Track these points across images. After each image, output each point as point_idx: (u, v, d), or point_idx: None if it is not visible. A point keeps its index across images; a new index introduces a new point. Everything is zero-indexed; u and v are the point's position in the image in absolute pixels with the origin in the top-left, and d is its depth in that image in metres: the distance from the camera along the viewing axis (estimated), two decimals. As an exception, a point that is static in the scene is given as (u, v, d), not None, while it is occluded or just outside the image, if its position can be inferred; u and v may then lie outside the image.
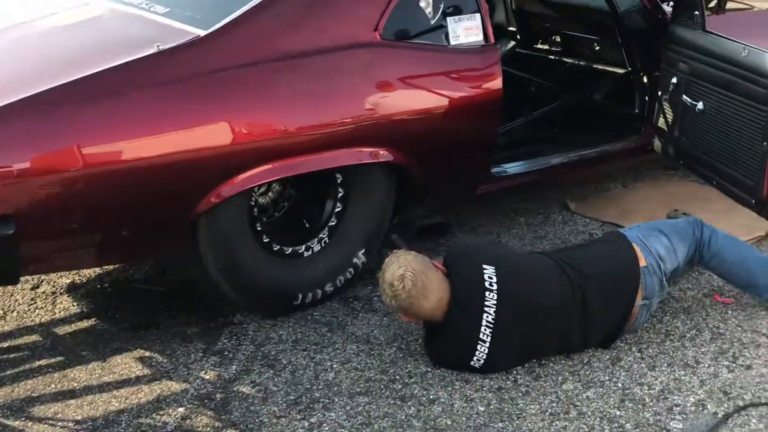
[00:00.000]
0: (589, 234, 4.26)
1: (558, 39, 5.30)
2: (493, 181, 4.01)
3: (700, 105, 3.93)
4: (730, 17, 6.09)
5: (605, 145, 4.46)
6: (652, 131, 4.44)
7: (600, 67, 4.97)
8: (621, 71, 4.73)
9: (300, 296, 3.43)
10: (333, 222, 3.54)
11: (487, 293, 3.01)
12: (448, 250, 3.30)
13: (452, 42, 3.62)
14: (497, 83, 3.66)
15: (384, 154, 3.44)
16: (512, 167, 4.13)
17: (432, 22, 3.58)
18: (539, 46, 5.43)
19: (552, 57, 5.33)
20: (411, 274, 2.97)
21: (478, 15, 3.68)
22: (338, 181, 3.51)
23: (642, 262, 3.22)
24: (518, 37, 5.47)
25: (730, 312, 3.46)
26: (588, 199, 4.67)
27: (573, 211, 4.52)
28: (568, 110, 4.78)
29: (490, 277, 3.04)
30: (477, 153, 3.77)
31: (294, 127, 3.21)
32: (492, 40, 3.70)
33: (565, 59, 5.23)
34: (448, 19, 3.61)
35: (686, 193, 4.72)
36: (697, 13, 3.90)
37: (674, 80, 4.13)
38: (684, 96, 4.06)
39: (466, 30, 3.66)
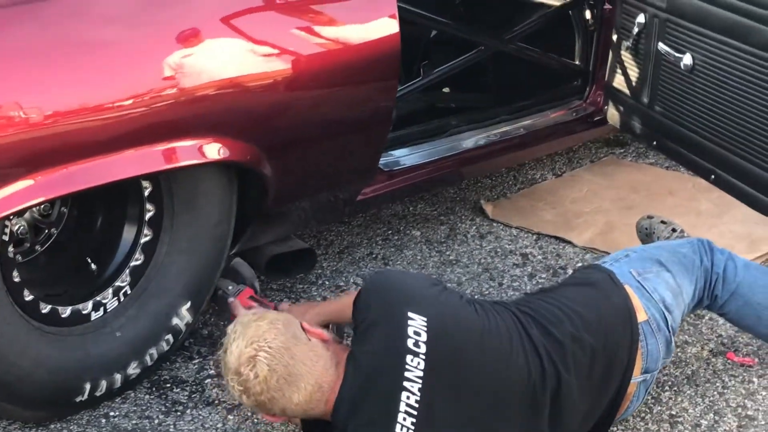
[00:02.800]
0: (522, 255, 3.93)
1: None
2: (381, 180, 3.61)
3: (686, 59, 3.64)
4: None
5: (533, 116, 4.22)
6: (601, 93, 4.20)
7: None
8: (556, 3, 4.42)
9: (87, 386, 3.10)
10: (138, 260, 3.15)
11: (409, 358, 2.72)
12: (360, 288, 2.92)
13: None
14: (392, 25, 3.30)
15: (215, 149, 3.04)
16: (406, 156, 3.80)
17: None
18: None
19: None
20: (266, 355, 2.66)
21: None
22: (145, 194, 3.10)
23: (641, 316, 2.96)
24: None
25: (756, 380, 3.27)
26: (510, 198, 4.37)
27: (490, 217, 4.19)
28: (481, 66, 4.54)
29: (416, 333, 2.76)
30: (364, 137, 3.42)
31: (58, 114, 2.71)
32: None
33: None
34: None
35: (649, 184, 4.50)
36: None
37: (640, 18, 3.84)
38: (660, 44, 3.77)
39: None
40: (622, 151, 4.81)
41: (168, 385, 3.23)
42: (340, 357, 2.80)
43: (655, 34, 3.81)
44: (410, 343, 2.73)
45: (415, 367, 2.72)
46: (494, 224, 4.17)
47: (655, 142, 3.95)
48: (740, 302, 3.19)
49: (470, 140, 3.98)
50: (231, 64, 3.01)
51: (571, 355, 2.88)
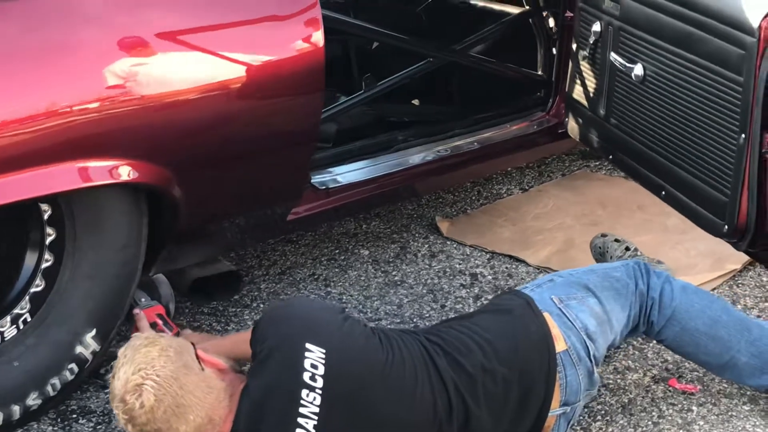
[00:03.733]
0: (472, 275, 3.77)
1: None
2: (316, 198, 3.47)
3: (637, 69, 3.48)
4: None
5: (491, 129, 4.06)
6: (563, 105, 4.05)
7: (486, 5, 4.47)
8: (516, 11, 4.25)
9: (-18, 419, 2.96)
10: (38, 286, 3.01)
11: (304, 393, 2.60)
12: (257, 320, 2.77)
13: None
14: (316, 37, 3.17)
15: (123, 170, 2.91)
16: (346, 173, 3.64)
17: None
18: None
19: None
20: (153, 384, 2.54)
21: None
22: (45, 218, 2.96)
23: (560, 345, 2.82)
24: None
25: (695, 408, 3.10)
26: (470, 214, 4.20)
27: (445, 235, 4.03)
28: (434, 76, 4.38)
29: (313, 366, 2.63)
30: (286, 155, 3.27)
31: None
32: None
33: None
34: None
35: (619, 200, 4.32)
36: None
37: (596, 27, 3.68)
38: (612, 54, 3.60)
39: None
40: (597, 164, 4.63)
41: (74, 415, 3.09)
42: (236, 388, 2.67)
43: (610, 43, 3.65)
44: (306, 376, 2.60)
45: (311, 403, 2.59)
46: (448, 242, 4.01)
47: (611, 156, 3.77)
48: (677, 328, 3.02)
49: (417, 156, 3.82)
50: (136, 81, 2.88)
51: (481, 387, 2.73)
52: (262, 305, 3.57)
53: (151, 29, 2.90)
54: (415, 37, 4.39)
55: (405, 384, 2.68)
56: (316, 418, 2.58)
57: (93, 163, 2.85)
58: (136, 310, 3.11)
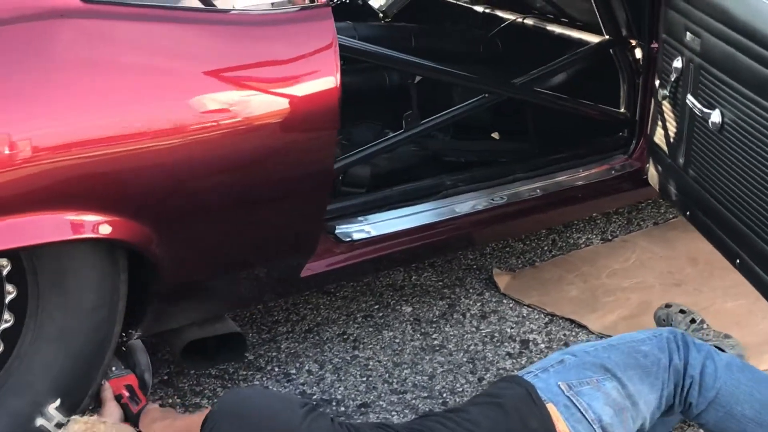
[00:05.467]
0: (522, 342, 3.33)
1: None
2: (338, 252, 3.08)
3: (714, 116, 2.98)
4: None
5: (561, 173, 3.57)
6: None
7: (558, 30, 4.02)
8: (596, 40, 3.77)
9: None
10: None
11: None
12: (210, 412, 2.41)
13: (236, 4, 2.75)
14: (330, 80, 2.79)
15: (95, 224, 2.59)
16: (378, 223, 3.26)
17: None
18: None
19: (477, 9, 4.37)
20: None
21: (292, -51, 2.80)
22: (4, 274, 2.66)
23: None
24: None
25: None
26: (536, 268, 3.75)
27: (502, 291, 3.58)
28: (495, 113, 3.97)
29: None
30: (292, 204, 2.89)
31: None
32: None
33: (499, 13, 4.27)
34: (227, -40, 2.73)
35: (713, 256, 3.75)
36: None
37: (677, 63, 3.20)
38: (689, 96, 3.11)
39: None
40: (692, 211, 4.10)
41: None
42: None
43: (690, 83, 3.16)
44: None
45: None
46: (504, 300, 3.56)
47: (687, 212, 3.28)
48: (721, 413, 2.57)
49: (466, 204, 3.39)
50: (125, 121, 2.57)
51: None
52: (277, 368, 3.21)
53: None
54: (487, 66, 3.99)
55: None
56: None
57: (61, 214, 2.54)
58: (104, 381, 2.79)
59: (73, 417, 2.52)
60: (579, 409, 2.41)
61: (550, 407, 2.40)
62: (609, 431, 2.43)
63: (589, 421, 2.41)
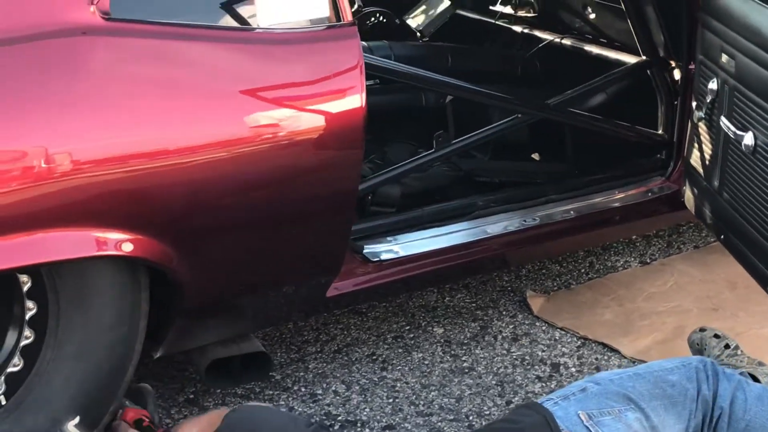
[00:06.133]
0: (553, 365, 3.25)
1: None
2: (365, 272, 3.03)
3: (747, 138, 2.88)
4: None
5: (596, 195, 3.48)
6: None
7: (596, 51, 3.91)
8: (633, 60, 3.68)
9: None
10: (16, 366, 2.66)
11: None
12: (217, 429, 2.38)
13: (261, 23, 2.69)
14: (355, 99, 2.74)
15: (118, 242, 2.54)
16: (407, 243, 3.19)
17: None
18: (499, 7, 4.38)
19: (516, 28, 4.29)
20: None
21: (318, -31, 2.74)
22: (25, 290, 2.61)
23: None
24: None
25: None
26: (571, 290, 3.66)
27: (536, 313, 3.49)
28: (535, 134, 3.88)
29: None
30: (316, 224, 2.84)
31: None
32: (347, 16, 2.73)
33: (537, 33, 4.19)
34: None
35: (751, 279, 3.66)
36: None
37: (712, 85, 3.10)
38: (723, 119, 3.02)
39: (288, 0, 2.71)
40: (735, 234, 3.98)
41: None
42: None
43: (725, 105, 3.07)
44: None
45: None
46: (538, 323, 3.46)
47: (722, 236, 3.18)
48: (753, 443, 2.43)
49: (498, 225, 3.31)
50: (148, 139, 2.54)
51: None
52: (304, 388, 3.14)
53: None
54: (525, 85, 3.92)
55: None
56: None
57: (81, 230, 2.50)
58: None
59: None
60: (596, 439, 2.33)
61: (566, 437, 2.31)
62: (630, 464, 2.33)
63: (608, 453, 2.32)
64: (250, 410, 2.53)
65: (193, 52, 2.62)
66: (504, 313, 3.53)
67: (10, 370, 2.65)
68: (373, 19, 4.15)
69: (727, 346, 3.02)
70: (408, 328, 3.45)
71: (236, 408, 2.65)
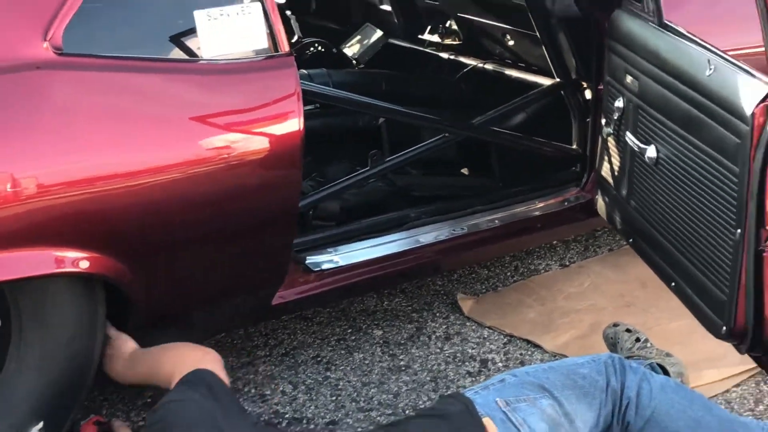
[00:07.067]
0: (482, 361, 3.35)
1: (453, 26, 4.36)
2: (307, 281, 3.11)
3: (650, 151, 3.03)
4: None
5: (518, 205, 3.60)
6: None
7: (515, 74, 4.03)
8: (548, 82, 3.80)
9: None
10: None
11: None
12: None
13: (205, 54, 2.73)
14: (293, 123, 2.81)
15: (75, 259, 2.59)
16: (347, 253, 3.27)
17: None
18: (427, 36, 4.48)
19: (443, 55, 4.40)
20: None
21: (257, 5, 2.78)
22: (-9, 306, 2.65)
23: None
24: (395, 20, 4.54)
25: None
26: (498, 292, 3.77)
27: (466, 314, 3.59)
28: (463, 151, 4.02)
29: None
30: (262, 241, 2.92)
31: None
32: (284, 47, 2.79)
33: (462, 59, 4.29)
34: (195, 14, 2.71)
35: (658, 281, 3.79)
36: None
37: (619, 103, 3.23)
38: (628, 134, 3.14)
39: (229, 33, 2.76)
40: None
41: None
42: None
43: (630, 121, 3.19)
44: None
45: None
46: (468, 323, 3.57)
47: (630, 240, 3.31)
48: (656, 430, 2.55)
49: (429, 235, 3.41)
50: (101, 163, 2.59)
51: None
52: (254, 390, 3.23)
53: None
54: (452, 107, 4.02)
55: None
56: None
57: (38, 250, 2.54)
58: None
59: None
60: (514, 424, 2.42)
61: (487, 421, 2.41)
62: (543, 444, 2.43)
63: (524, 438, 2.42)
64: (170, 408, 2.47)
65: (143, 82, 2.68)
66: (437, 314, 3.63)
67: (-25, 379, 2.70)
68: (312, 48, 4.24)
69: (638, 340, 3.14)
70: (350, 331, 3.54)
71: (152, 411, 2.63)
